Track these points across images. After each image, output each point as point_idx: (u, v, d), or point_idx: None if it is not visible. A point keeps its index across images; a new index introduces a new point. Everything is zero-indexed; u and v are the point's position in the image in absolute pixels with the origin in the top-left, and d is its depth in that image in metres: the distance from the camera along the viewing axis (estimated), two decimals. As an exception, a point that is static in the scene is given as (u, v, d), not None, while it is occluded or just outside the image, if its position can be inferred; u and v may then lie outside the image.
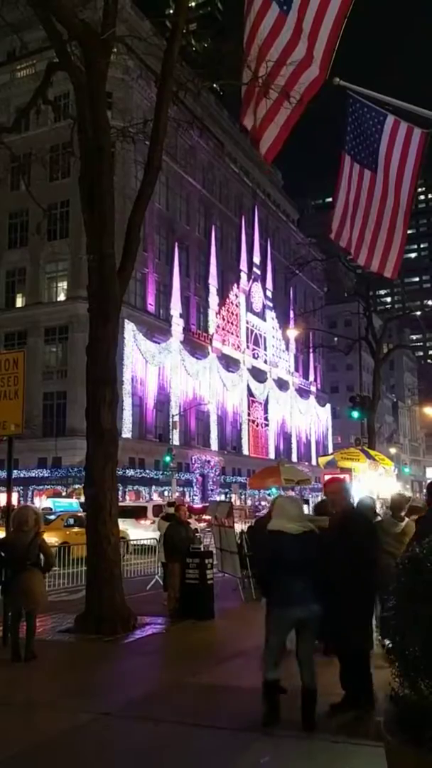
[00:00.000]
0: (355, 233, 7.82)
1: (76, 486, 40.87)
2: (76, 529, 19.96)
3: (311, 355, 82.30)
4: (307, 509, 19.34)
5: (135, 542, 19.15)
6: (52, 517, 22.66)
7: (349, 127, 7.56)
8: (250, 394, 69.11)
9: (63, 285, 50.54)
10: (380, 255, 7.73)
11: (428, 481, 8.23)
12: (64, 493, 43.96)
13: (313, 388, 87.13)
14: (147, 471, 49.56)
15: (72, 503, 32.01)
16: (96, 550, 10.80)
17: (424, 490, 8.59)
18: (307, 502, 21.36)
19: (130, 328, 48.01)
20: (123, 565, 13.03)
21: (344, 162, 7.74)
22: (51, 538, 18.77)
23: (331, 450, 76.09)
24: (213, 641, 10.01)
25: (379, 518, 9.46)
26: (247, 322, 69.77)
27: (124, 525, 21.80)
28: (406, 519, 8.01)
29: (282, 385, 77.08)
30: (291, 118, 7.23)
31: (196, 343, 58.86)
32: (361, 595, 5.92)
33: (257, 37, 6.86)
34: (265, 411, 72.70)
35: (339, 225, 7.97)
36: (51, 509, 26.86)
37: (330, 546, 5.95)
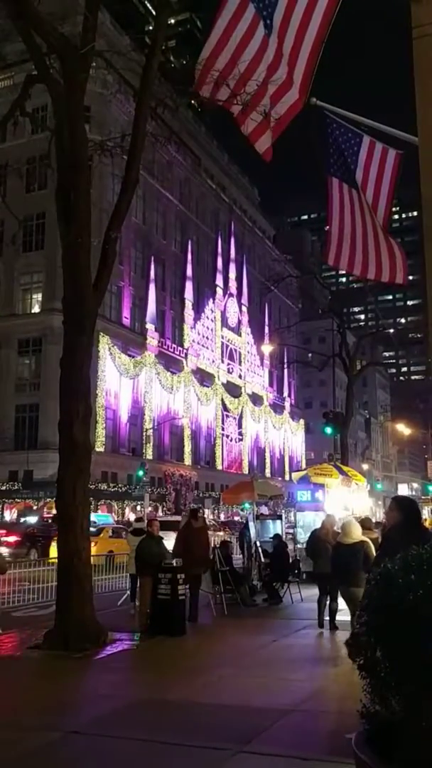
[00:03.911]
0: (359, 250, 7.82)
1: (48, 500, 40.42)
2: (116, 540, 24.91)
3: (285, 370, 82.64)
4: (280, 525, 19.43)
5: None
6: (93, 529, 25.63)
7: (331, 149, 7.64)
8: (225, 408, 69.13)
9: (37, 297, 50.19)
10: (388, 264, 7.77)
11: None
12: (35, 507, 43.44)
13: (287, 404, 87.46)
14: (120, 485, 49.19)
15: (107, 516, 37.94)
16: (66, 565, 10.67)
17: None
18: (279, 517, 21.31)
19: (104, 341, 47.85)
20: (96, 580, 12.91)
21: (332, 184, 7.77)
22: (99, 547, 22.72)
23: (304, 465, 76.29)
24: (184, 658, 9.92)
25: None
26: (222, 337, 69.94)
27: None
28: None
29: (256, 400, 77.25)
30: (274, 132, 7.29)
31: (170, 357, 58.81)
32: None
33: (244, 54, 6.90)
34: (239, 426, 72.75)
35: (336, 248, 7.94)
36: (95, 522, 30.81)
37: None
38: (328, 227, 8.06)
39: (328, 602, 11.79)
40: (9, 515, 45.53)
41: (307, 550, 13.34)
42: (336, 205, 7.80)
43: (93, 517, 35.83)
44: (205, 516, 45.35)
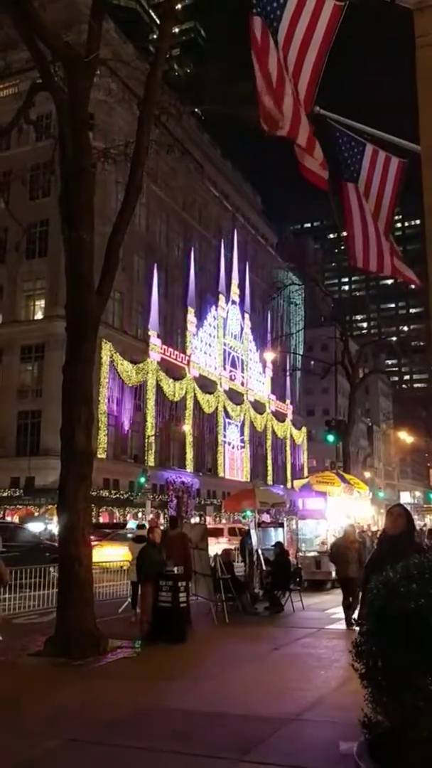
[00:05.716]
0: (386, 251, 7.79)
1: (50, 506, 40.39)
2: None
3: (288, 378, 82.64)
4: (282, 533, 19.38)
5: None
6: (130, 535, 27.53)
7: (339, 156, 7.64)
8: (227, 415, 69.09)
9: (40, 303, 50.29)
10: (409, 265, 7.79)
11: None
12: (36, 514, 43.38)
13: (289, 411, 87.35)
14: (121, 492, 49.14)
15: (144, 524, 38.15)
16: (67, 572, 10.65)
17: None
18: (281, 525, 21.22)
19: (107, 348, 47.89)
20: (97, 587, 12.88)
21: (346, 189, 7.75)
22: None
23: (306, 473, 76.13)
24: (184, 665, 9.88)
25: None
26: (225, 344, 69.95)
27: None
28: None
29: (258, 407, 77.18)
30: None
31: (173, 364, 58.82)
32: None
33: (271, 80, 6.89)
34: (241, 433, 72.67)
35: (362, 251, 7.88)
36: (133, 529, 32.56)
37: None
38: (347, 232, 8.03)
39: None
40: (10, 521, 45.43)
41: (331, 557, 14.62)
42: (355, 208, 7.77)
43: (129, 524, 38.40)
44: (206, 522, 45.27)
